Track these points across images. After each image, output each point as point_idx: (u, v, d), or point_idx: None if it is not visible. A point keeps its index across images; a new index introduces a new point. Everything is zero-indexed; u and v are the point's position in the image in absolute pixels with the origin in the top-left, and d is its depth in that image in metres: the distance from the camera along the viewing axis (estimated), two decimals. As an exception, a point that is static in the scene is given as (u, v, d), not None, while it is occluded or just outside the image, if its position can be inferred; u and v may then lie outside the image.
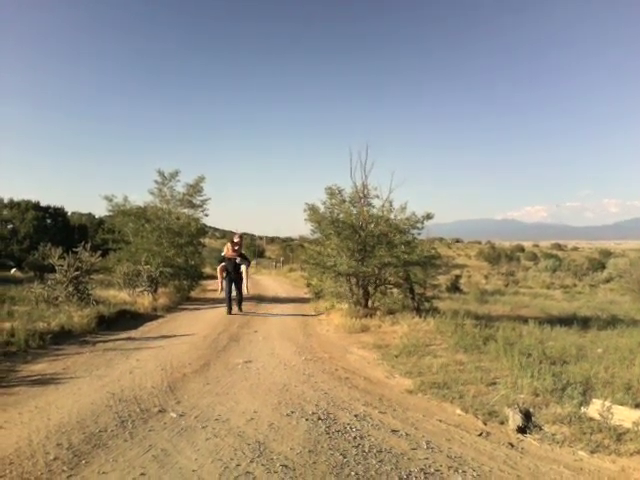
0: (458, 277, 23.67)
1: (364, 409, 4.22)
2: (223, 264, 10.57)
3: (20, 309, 8.38)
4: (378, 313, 9.71)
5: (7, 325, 6.55)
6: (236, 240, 10.58)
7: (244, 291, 10.66)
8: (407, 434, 3.66)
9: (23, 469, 2.86)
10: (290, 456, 3.15)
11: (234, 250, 10.42)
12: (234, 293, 10.49)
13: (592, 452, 3.43)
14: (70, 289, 9.47)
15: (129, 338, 7.30)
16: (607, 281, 31.56)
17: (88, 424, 3.61)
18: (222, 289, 10.66)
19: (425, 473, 3.01)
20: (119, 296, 11.23)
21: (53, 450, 3.14)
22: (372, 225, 10.00)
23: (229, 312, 10.04)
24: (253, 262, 49.22)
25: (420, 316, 9.00)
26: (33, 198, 25.52)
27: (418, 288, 10.75)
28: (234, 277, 10.39)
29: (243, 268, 10.59)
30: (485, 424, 3.97)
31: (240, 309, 10.38)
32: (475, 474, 3.03)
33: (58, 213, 26.39)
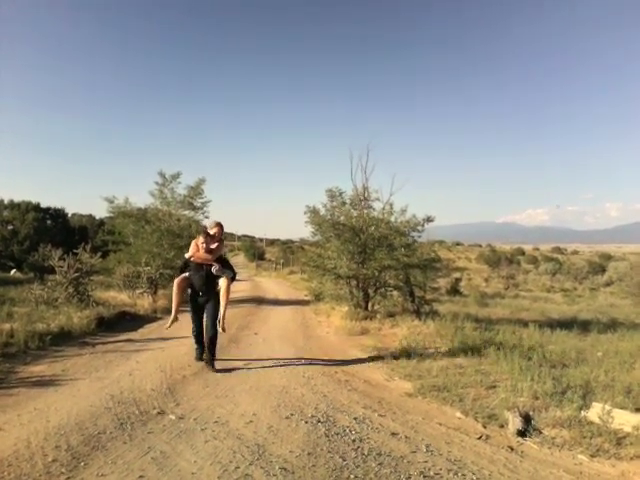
0: (458, 280, 23.70)
1: (363, 412, 4.21)
2: (185, 275, 5.74)
3: (20, 310, 8.38)
4: (378, 316, 9.72)
5: (7, 326, 6.54)
6: (212, 232, 5.75)
7: (218, 327, 5.58)
8: (407, 437, 3.65)
9: (21, 471, 2.85)
10: (289, 459, 3.14)
11: (208, 250, 5.59)
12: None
13: (592, 456, 3.42)
14: (70, 290, 9.49)
15: (129, 340, 7.29)
16: (607, 284, 31.60)
17: (87, 426, 3.60)
18: (174, 320, 5.87)
19: (425, 476, 3.00)
20: (119, 297, 11.25)
21: (52, 452, 3.13)
22: (372, 228, 10.01)
23: (199, 357, 5.83)
24: (253, 264, 45.52)
25: (420, 319, 9.00)
26: (33, 199, 25.58)
27: (418, 291, 10.76)
28: (205, 299, 5.66)
29: (222, 283, 5.63)
30: (485, 427, 3.96)
31: (212, 361, 5.53)
32: (475, 477, 3.02)
33: (58, 214, 26.43)
